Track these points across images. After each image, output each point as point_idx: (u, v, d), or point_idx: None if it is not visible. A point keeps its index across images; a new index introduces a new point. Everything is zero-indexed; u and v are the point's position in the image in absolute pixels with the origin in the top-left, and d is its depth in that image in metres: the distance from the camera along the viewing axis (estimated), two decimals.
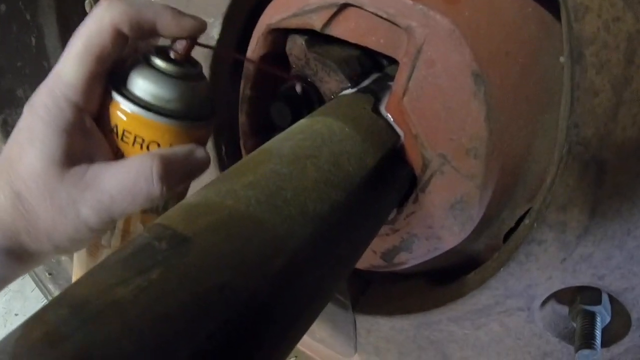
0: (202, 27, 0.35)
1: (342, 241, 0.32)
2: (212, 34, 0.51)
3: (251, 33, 0.48)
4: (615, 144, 0.33)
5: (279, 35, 0.47)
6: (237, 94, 0.51)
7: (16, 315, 1.27)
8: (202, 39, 0.36)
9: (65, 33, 0.72)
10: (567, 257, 0.38)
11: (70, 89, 0.33)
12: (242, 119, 0.52)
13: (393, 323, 0.52)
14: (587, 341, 0.37)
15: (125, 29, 0.33)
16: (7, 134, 0.72)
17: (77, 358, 0.19)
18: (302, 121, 0.38)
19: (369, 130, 0.38)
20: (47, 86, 0.33)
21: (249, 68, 0.49)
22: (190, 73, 0.36)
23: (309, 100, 0.47)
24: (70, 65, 0.33)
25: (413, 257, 0.46)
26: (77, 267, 0.42)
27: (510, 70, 0.39)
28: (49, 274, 0.88)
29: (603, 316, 0.38)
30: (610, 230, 0.35)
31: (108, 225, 0.35)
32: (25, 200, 0.33)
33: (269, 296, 0.25)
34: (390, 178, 0.39)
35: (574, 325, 0.39)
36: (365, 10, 0.41)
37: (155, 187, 0.33)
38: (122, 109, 0.34)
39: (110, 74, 0.35)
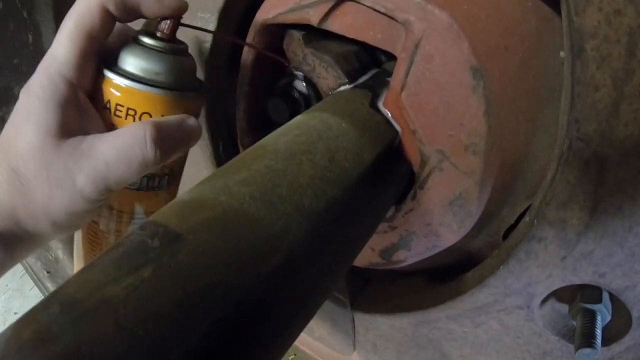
0: (184, 5, 0.37)
1: (339, 238, 0.32)
2: (209, 29, 0.51)
3: (247, 28, 0.48)
4: (616, 140, 0.33)
5: (276, 30, 0.47)
6: (233, 91, 0.51)
7: (15, 313, 1.27)
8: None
9: None
10: (567, 254, 0.37)
11: (64, 66, 0.34)
12: (239, 115, 0.51)
13: (392, 321, 0.52)
14: (587, 340, 0.37)
15: (112, 8, 0.35)
16: None
17: (68, 357, 0.19)
18: (299, 117, 0.38)
19: (366, 126, 0.38)
20: (42, 66, 0.35)
21: (245, 64, 0.49)
22: (177, 48, 0.38)
23: (307, 96, 0.46)
24: (63, 44, 0.35)
25: (412, 255, 0.46)
26: (77, 260, 0.43)
27: (509, 65, 0.39)
28: (47, 272, 0.88)
29: (603, 314, 0.38)
30: (611, 227, 0.35)
31: (104, 195, 0.35)
32: (22, 175, 0.34)
33: (264, 294, 0.25)
34: (387, 174, 0.39)
35: (574, 323, 0.39)
36: (363, 4, 0.40)
37: (149, 152, 0.34)
38: (115, 84, 0.36)
39: (102, 58, 0.37)
